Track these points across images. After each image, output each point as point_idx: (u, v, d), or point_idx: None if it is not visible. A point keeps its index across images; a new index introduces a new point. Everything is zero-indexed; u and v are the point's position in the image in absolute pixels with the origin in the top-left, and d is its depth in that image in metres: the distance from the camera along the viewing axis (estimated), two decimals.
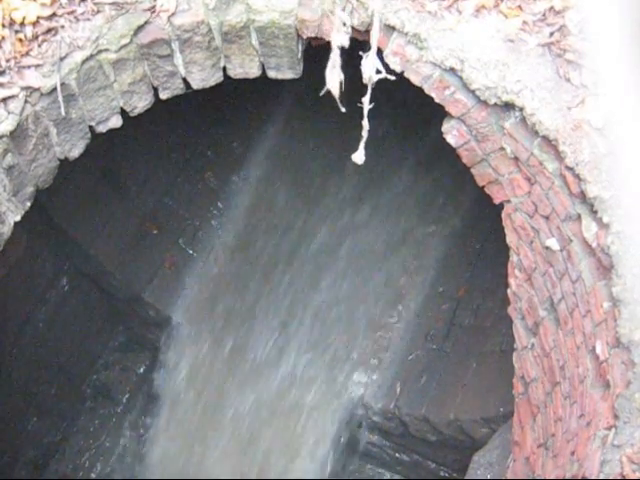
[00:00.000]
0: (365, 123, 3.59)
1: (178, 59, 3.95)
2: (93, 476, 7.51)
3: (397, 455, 6.84)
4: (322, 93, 3.59)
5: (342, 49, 3.52)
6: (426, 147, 6.90)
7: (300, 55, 4.01)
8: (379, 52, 3.52)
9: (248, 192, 7.37)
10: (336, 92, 3.57)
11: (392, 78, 3.54)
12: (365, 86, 3.51)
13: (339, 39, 3.53)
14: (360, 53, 3.46)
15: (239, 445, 6.89)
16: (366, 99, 3.54)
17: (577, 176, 3.32)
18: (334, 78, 3.55)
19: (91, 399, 7.62)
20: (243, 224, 7.29)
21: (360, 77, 3.51)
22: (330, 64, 3.58)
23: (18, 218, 3.84)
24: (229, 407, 6.93)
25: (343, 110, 3.58)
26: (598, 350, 3.28)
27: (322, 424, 6.63)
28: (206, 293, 7.10)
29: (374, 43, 3.48)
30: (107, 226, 6.75)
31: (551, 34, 3.49)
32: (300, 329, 6.88)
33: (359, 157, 3.70)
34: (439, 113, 3.79)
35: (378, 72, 3.47)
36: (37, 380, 6.94)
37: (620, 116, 3.29)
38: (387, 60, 3.64)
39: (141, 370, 7.73)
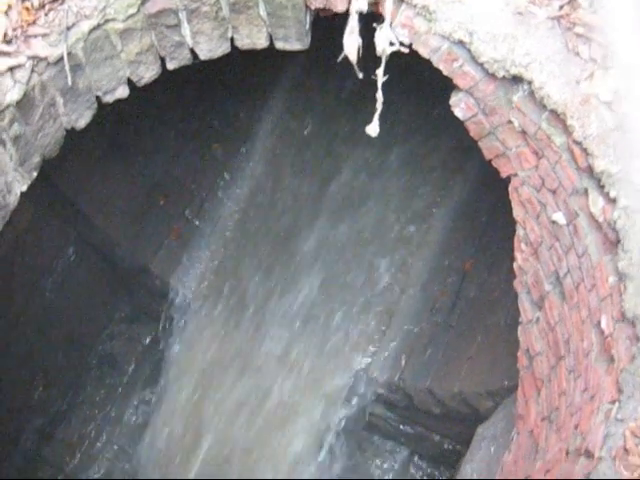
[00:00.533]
0: (379, 95, 3.58)
1: (185, 29, 3.93)
2: (99, 445, 7.56)
3: (401, 427, 6.87)
4: (340, 59, 3.58)
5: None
6: (433, 120, 6.88)
7: (308, 26, 3.98)
8: None
9: (255, 163, 7.36)
10: (354, 57, 3.57)
11: (406, 51, 3.53)
12: (375, 58, 3.50)
13: (358, 4, 3.51)
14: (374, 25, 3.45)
15: (243, 414, 6.92)
16: (380, 71, 3.53)
17: (585, 150, 3.31)
18: (352, 43, 3.54)
19: (97, 369, 7.67)
20: (250, 195, 7.29)
21: (369, 49, 3.50)
22: (348, 29, 3.57)
23: (25, 188, 3.85)
24: (235, 375, 6.95)
25: (360, 76, 3.57)
26: (603, 324, 3.29)
27: (327, 396, 6.65)
28: (212, 264, 7.11)
29: (387, 15, 3.46)
30: (113, 197, 6.76)
31: (561, 7, 3.47)
32: (306, 300, 6.89)
33: (373, 129, 3.69)
34: (447, 86, 3.78)
35: (391, 44, 3.46)
36: (43, 349, 6.98)
37: (629, 90, 3.27)
38: (395, 32, 3.62)
39: (147, 341, 7.77)
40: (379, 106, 3.61)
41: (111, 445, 7.57)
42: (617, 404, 3.00)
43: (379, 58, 3.56)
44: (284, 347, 6.86)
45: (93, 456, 7.50)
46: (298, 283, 6.95)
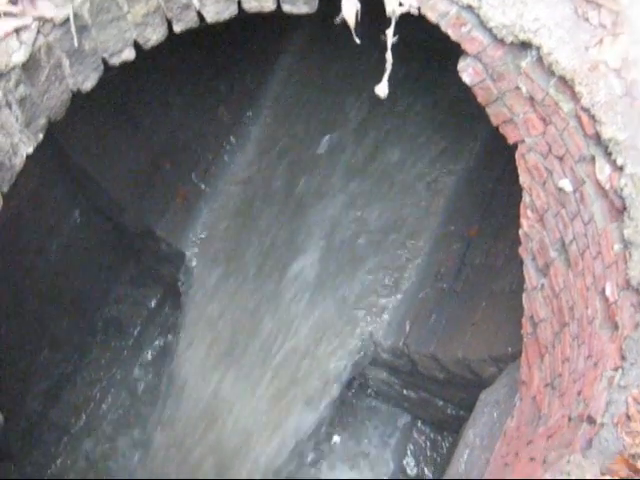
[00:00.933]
0: (389, 56, 3.56)
1: None
2: (104, 407, 7.62)
3: (405, 392, 6.91)
4: (337, 21, 3.55)
5: None
6: (441, 86, 6.84)
7: None
8: None
9: (261, 127, 7.35)
10: (352, 22, 3.54)
11: (416, 12, 3.51)
12: (383, 19, 3.47)
13: None
14: None
15: (253, 376, 6.94)
16: (390, 32, 3.51)
17: (592, 117, 3.30)
18: (350, 7, 3.51)
19: (102, 332, 7.71)
20: (256, 159, 7.28)
21: (378, 10, 3.48)
22: None
23: (31, 150, 3.84)
24: (243, 335, 6.97)
25: (358, 42, 3.55)
26: (608, 292, 3.29)
27: (331, 360, 6.68)
28: (218, 228, 7.11)
29: None
30: (119, 160, 6.75)
31: None
32: (311, 263, 6.90)
33: (382, 90, 3.67)
34: (455, 53, 3.75)
35: (401, 5, 3.44)
36: (49, 312, 7.01)
37: (638, 57, 3.25)
38: None
39: (152, 304, 7.80)
40: (388, 67, 3.59)
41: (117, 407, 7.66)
42: (620, 371, 3.02)
43: (387, 19, 3.54)
44: (288, 310, 6.87)
45: (99, 418, 7.56)
46: (304, 248, 6.95)
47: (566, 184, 3.62)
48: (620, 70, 3.27)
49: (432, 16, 3.59)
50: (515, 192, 4.10)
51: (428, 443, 7.19)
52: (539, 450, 3.49)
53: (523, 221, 4.08)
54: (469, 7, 3.49)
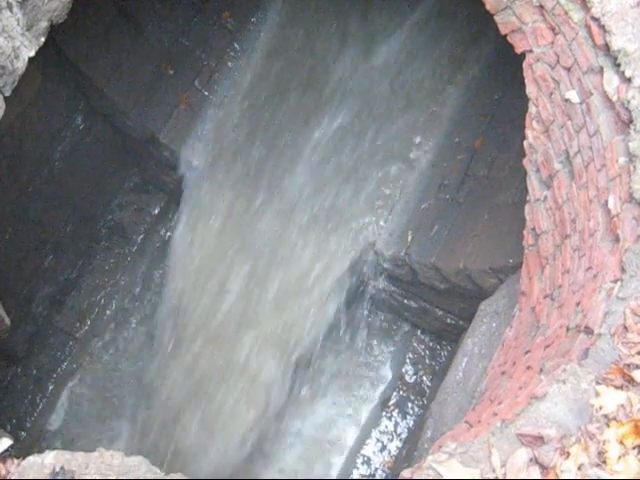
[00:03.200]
0: None
1: None
2: (108, 313, 7.71)
3: (405, 301, 6.97)
4: None
5: None
6: None
7: None
8: None
9: (265, 34, 7.25)
10: None
11: None
12: None
13: None
14: None
15: (252, 282, 6.99)
16: None
17: (602, 27, 3.26)
18: None
19: (106, 238, 7.75)
20: (260, 66, 7.20)
21: None
22: None
23: (32, 53, 3.80)
24: (244, 240, 7.00)
25: None
26: (610, 204, 3.30)
27: (333, 269, 6.71)
28: (221, 135, 7.08)
29: None
30: (122, 65, 6.68)
31: None
32: (314, 171, 6.88)
33: None
34: None
35: None
36: (53, 218, 7.03)
37: None
38: None
39: (156, 211, 7.81)
40: None
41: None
42: (619, 283, 3.04)
43: None
44: (291, 219, 6.88)
45: (103, 322, 7.66)
46: (307, 155, 6.92)
47: (573, 95, 3.59)
48: None
49: None
50: (521, 103, 4.07)
51: (427, 352, 7.29)
52: (536, 359, 3.54)
53: (528, 132, 4.06)
54: None
